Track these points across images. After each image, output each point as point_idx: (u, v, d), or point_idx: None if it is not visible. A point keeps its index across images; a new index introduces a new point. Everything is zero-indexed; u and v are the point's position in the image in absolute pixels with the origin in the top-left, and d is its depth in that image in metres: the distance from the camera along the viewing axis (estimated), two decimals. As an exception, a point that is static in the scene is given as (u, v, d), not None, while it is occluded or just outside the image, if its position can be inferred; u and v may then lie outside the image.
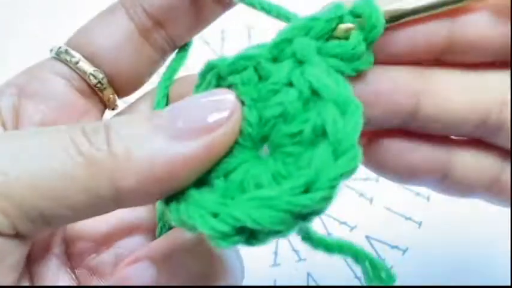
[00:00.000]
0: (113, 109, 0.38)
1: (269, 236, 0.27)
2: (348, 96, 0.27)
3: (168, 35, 0.37)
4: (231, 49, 0.41)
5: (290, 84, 0.29)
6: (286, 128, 0.28)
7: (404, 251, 0.54)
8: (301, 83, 0.28)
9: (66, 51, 0.35)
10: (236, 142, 0.30)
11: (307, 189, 0.26)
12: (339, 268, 0.52)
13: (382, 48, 0.31)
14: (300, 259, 0.54)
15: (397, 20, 0.31)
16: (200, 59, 0.35)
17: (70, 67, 0.35)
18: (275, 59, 0.30)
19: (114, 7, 0.36)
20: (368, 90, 0.31)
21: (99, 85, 0.36)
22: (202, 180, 0.30)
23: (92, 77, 0.35)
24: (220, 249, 0.30)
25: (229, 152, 0.30)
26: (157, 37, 0.36)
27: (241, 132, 0.30)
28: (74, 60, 0.35)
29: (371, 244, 0.53)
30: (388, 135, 0.33)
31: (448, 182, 0.34)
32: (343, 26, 0.31)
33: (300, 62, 0.29)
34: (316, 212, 0.26)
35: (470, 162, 0.35)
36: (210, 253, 0.33)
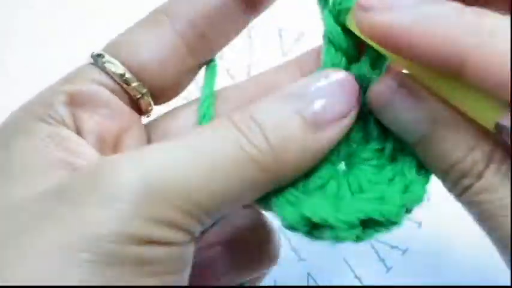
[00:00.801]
0: (147, 116, 0.37)
1: (380, 231, 0.32)
2: None
3: (208, 45, 0.36)
4: (231, 49, 0.41)
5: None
6: (370, 146, 0.34)
7: (404, 251, 0.54)
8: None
9: (109, 61, 0.34)
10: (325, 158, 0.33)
11: (405, 190, 0.32)
12: (339, 268, 0.52)
13: None
14: (300, 259, 0.54)
15: None
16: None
17: (110, 76, 0.34)
18: None
19: (158, 17, 0.35)
20: None
21: (139, 96, 0.35)
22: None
23: (135, 91, 0.35)
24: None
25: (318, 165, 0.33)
26: (199, 48, 0.36)
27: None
28: (118, 72, 0.34)
29: (371, 244, 0.53)
30: None
31: None
32: None
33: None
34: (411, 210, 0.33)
35: None
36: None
